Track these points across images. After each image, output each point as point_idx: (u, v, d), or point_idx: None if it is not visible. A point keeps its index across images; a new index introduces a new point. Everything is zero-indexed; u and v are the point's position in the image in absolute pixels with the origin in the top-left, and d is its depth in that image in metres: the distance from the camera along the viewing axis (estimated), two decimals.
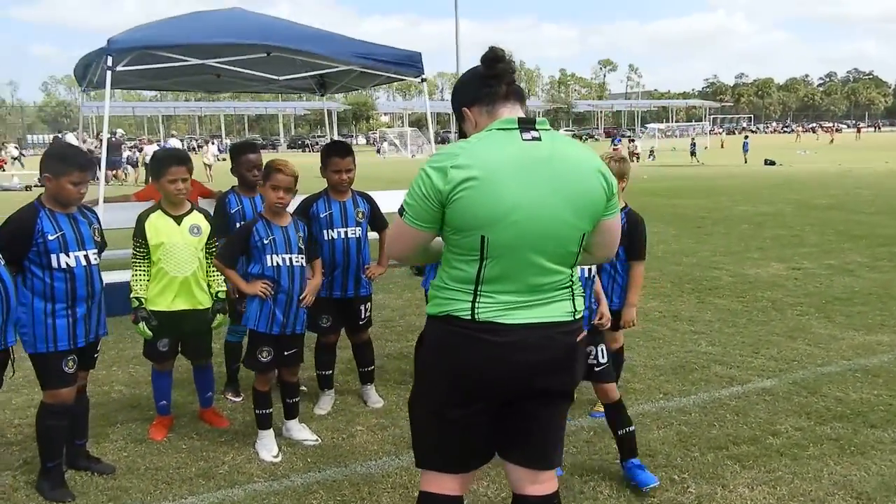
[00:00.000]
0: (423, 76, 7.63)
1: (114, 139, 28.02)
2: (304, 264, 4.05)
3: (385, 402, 4.87)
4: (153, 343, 4.17)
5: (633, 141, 45.60)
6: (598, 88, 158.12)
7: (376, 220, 4.78)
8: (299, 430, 4.29)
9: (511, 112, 2.36)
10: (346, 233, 4.57)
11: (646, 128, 79.03)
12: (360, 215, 4.66)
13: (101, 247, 3.74)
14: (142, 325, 4.02)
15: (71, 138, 25.47)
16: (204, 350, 4.41)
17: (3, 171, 36.85)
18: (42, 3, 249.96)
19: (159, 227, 4.05)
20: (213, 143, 37.31)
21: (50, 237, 3.44)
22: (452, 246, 2.32)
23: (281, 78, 7.76)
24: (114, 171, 26.50)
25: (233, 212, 4.78)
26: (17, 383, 4.63)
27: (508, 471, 2.51)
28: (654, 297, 7.72)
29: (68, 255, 3.49)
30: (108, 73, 6.07)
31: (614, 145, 42.50)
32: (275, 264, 3.92)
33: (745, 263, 9.52)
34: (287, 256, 3.95)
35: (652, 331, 6.48)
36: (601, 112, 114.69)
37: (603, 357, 3.74)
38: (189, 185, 4.10)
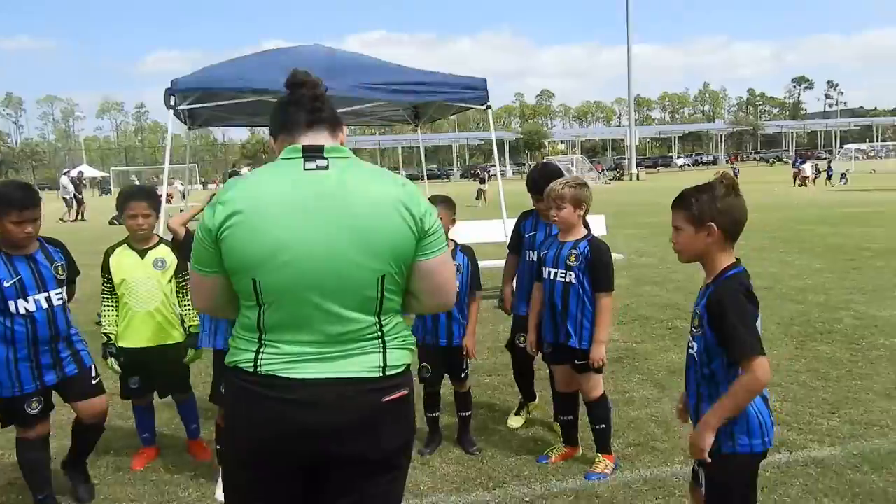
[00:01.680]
0: (488, 104, 7.36)
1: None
2: None
3: None
4: (124, 381, 4.20)
5: (804, 162, 41.50)
6: (792, 108, 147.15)
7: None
8: None
9: (312, 140, 2.10)
10: None
11: (842, 149, 72.18)
12: None
13: (67, 281, 3.70)
14: (110, 361, 4.04)
15: (245, 171, 27.58)
16: (178, 385, 4.39)
17: (170, 203, 40.12)
18: None
19: (122, 262, 4.07)
20: None
21: (6, 283, 3.39)
22: (236, 290, 2.09)
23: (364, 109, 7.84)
24: None
25: None
26: None
27: None
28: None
29: (26, 300, 3.44)
30: (171, 111, 6.45)
31: (796, 167, 39.21)
32: None
33: (882, 304, 8.18)
34: None
35: None
36: (793, 133, 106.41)
37: None
38: (152, 220, 4.08)
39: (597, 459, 4.17)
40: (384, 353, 2.06)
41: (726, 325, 2.40)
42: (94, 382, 3.79)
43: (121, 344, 4.06)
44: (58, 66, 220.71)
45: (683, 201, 2.56)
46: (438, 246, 2.10)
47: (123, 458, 4.49)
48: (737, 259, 2.55)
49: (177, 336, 4.18)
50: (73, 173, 35.95)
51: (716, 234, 2.48)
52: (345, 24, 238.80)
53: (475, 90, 7.05)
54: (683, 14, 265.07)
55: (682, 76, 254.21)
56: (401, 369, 2.10)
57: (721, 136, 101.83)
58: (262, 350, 2.03)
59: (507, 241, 4.88)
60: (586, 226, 4.17)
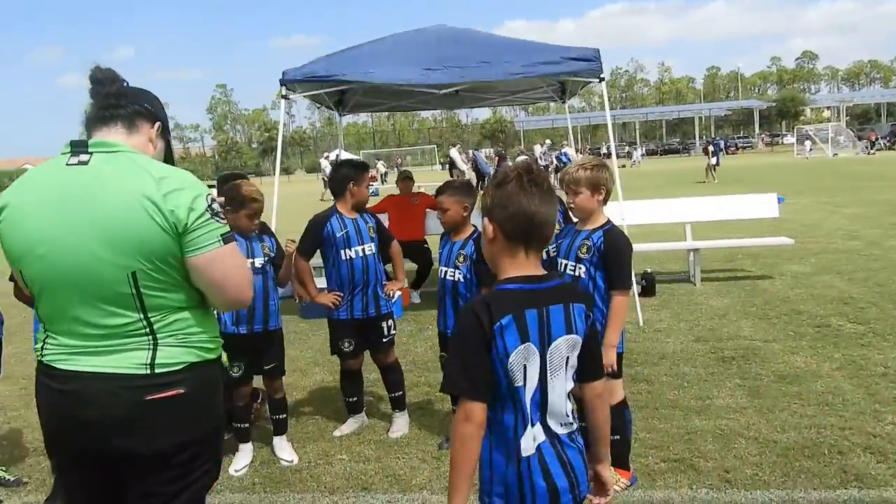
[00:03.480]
0: (602, 76, 6.76)
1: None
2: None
3: (376, 436, 4.64)
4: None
5: None
6: None
7: (382, 234, 4.65)
8: (281, 449, 4.30)
9: (104, 136, 2.11)
10: (363, 250, 4.46)
11: None
12: (371, 231, 4.52)
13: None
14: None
15: (454, 153, 28.39)
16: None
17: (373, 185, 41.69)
18: None
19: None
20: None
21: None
22: None
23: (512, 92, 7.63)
24: None
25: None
26: None
27: None
28: (831, 342, 5.66)
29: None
30: (283, 101, 6.82)
31: None
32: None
33: None
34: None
35: (799, 392, 4.81)
36: None
37: None
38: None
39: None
40: (154, 350, 2.02)
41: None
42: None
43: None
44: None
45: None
46: (205, 243, 2.00)
47: None
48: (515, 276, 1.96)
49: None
50: (332, 156, 39.98)
51: (490, 234, 1.98)
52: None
53: (586, 61, 6.52)
54: None
55: None
56: (176, 367, 2.04)
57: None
58: (46, 340, 2.09)
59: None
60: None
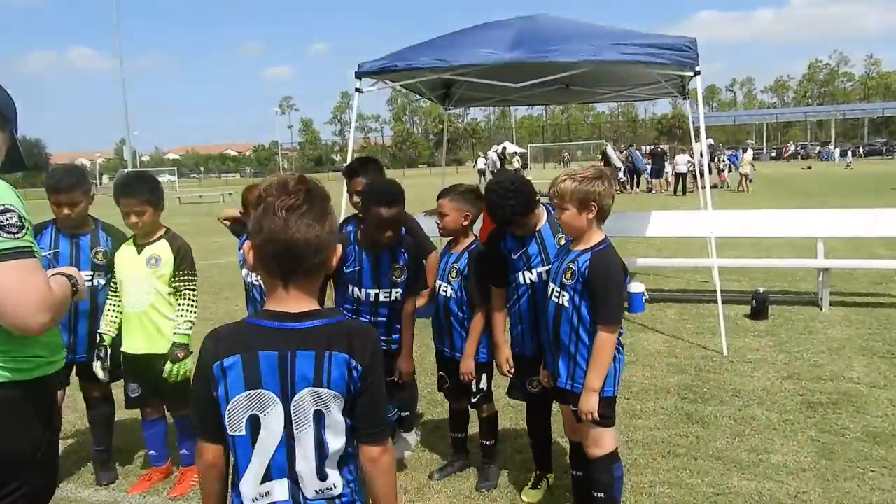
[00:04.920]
0: (697, 69, 5.93)
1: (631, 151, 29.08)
2: None
3: None
4: (125, 387, 3.85)
5: None
6: None
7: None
8: None
9: None
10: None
11: None
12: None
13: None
14: (95, 365, 3.71)
15: (610, 150, 27.25)
16: (173, 399, 3.81)
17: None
18: None
19: (122, 257, 3.79)
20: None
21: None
22: None
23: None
24: (657, 180, 27.38)
25: None
26: None
27: None
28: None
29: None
30: (356, 94, 6.65)
31: None
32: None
33: None
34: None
35: (885, 457, 3.86)
36: None
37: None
38: (145, 218, 3.64)
39: None
40: None
41: None
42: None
43: (122, 348, 3.78)
44: None
45: None
46: None
47: (123, 480, 4.10)
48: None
49: (166, 346, 3.72)
50: (498, 148, 40.51)
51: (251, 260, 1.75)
52: None
53: (677, 51, 5.74)
54: None
55: None
56: None
57: None
58: None
59: None
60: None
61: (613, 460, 3.14)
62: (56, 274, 2.17)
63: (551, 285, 3.16)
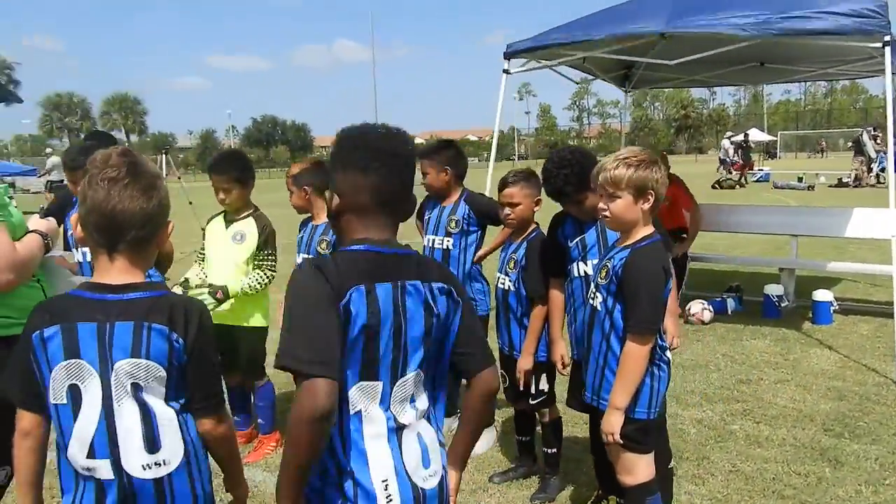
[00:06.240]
0: (887, 38, 4.85)
1: None
2: None
3: None
4: None
5: None
6: None
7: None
8: None
9: None
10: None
11: None
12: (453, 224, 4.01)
13: None
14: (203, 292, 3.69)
15: (865, 137, 23.80)
16: (250, 370, 4.03)
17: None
18: None
19: (211, 230, 4.00)
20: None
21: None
22: None
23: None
24: None
25: None
26: None
27: None
28: None
29: None
30: (504, 75, 6.40)
31: None
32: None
33: None
34: None
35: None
36: None
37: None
38: (232, 195, 3.80)
39: None
40: None
41: None
42: None
43: None
44: None
45: None
46: None
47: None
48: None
49: (251, 320, 3.91)
50: (738, 137, 37.07)
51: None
52: None
53: (859, 18, 4.71)
54: None
55: None
56: None
57: None
58: None
59: None
60: (657, 225, 2.71)
61: (648, 492, 2.71)
62: (31, 231, 2.32)
63: (592, 286, 2.79)
